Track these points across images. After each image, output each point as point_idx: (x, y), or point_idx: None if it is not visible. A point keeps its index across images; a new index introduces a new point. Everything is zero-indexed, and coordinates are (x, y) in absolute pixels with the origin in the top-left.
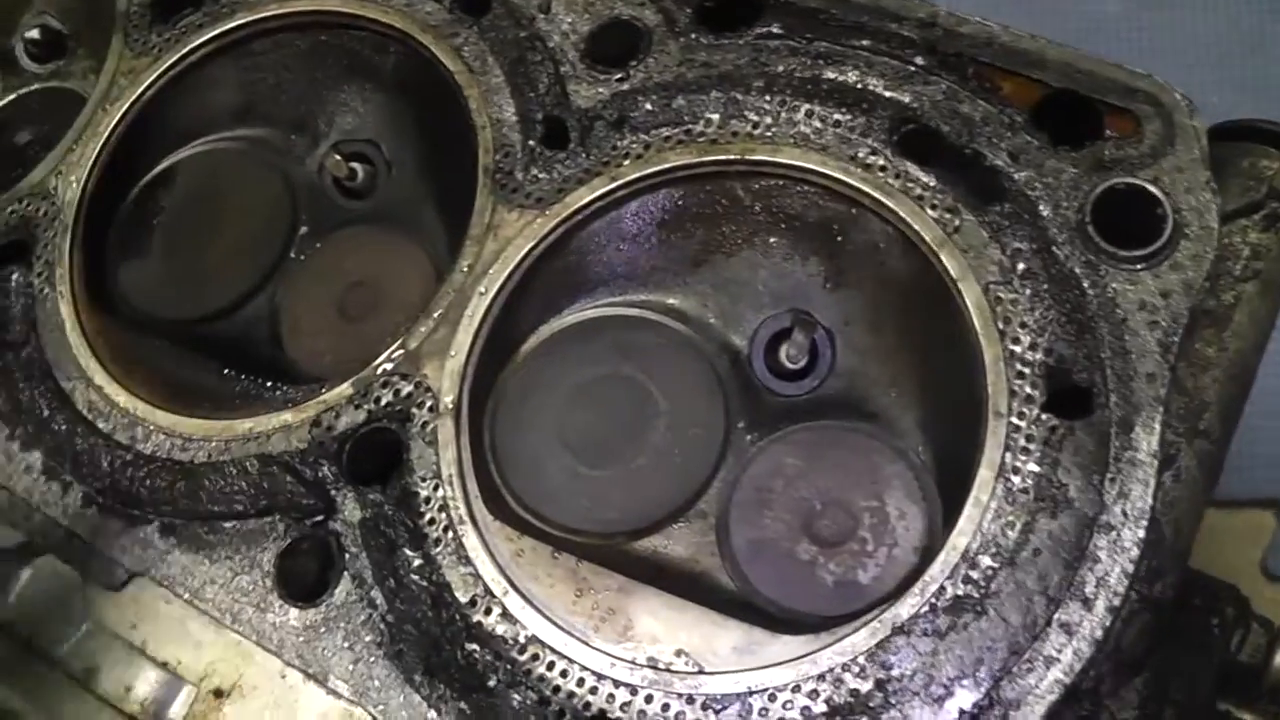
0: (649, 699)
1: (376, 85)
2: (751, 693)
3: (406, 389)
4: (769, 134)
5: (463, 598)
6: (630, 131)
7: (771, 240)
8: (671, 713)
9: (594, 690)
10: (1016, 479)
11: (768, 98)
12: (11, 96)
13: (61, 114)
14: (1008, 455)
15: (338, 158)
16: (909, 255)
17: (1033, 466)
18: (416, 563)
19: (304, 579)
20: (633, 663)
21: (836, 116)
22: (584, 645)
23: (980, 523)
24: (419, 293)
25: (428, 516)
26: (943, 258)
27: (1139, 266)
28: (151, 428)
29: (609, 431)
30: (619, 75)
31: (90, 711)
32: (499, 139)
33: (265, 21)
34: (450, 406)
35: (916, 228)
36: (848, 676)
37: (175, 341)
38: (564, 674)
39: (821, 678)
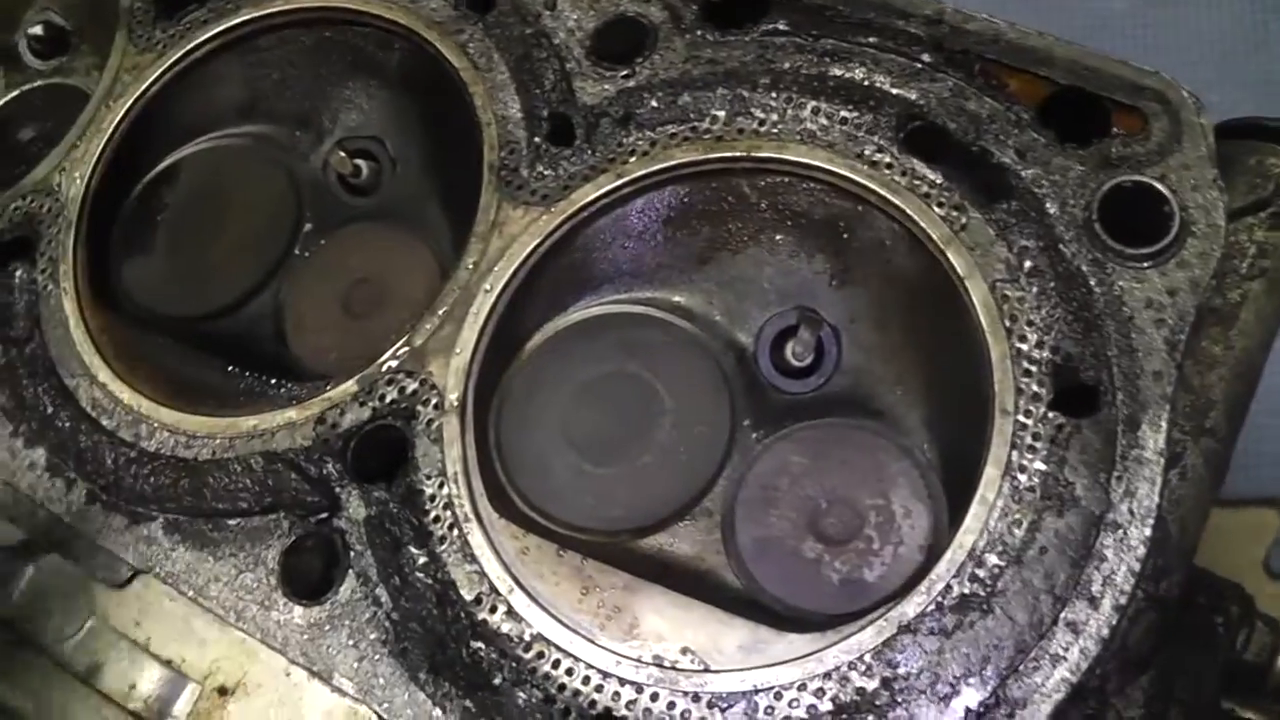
0: (655, 697)
1: (381, 82)
2: (757, 691)
3: (411, 386)
4: (775, 131)
5: (468, 595)
6: (636, 128)
7: (777, 237)
8: (677, 711)
9: (599, 688)
10: (1023, 477)
11: (774, 94)
12: (15, 93)
13: (65, 110)
14: (1014, 453)
15: (342, 154)
16: (915, 253)
17: (1039, 465)
18: (421, 560)
19: (309, 577)
20: (638, 661)
21: (843, 113)
22: (590, 643)
23: (987, 521)
24: (424, 290)
25: (433, 514)
26: (949, 255)
27: (1146, 264)
28: (155, 425)
29: (614, 429)
30: (625, 72)
31: (93, 709)
32: (504, 136)
33: (270, 18)
34: (455, 404)
35: (923, 225)
36: (854, 675)
37: (179, 338)
38: (570, 672)
39: (828, 676)
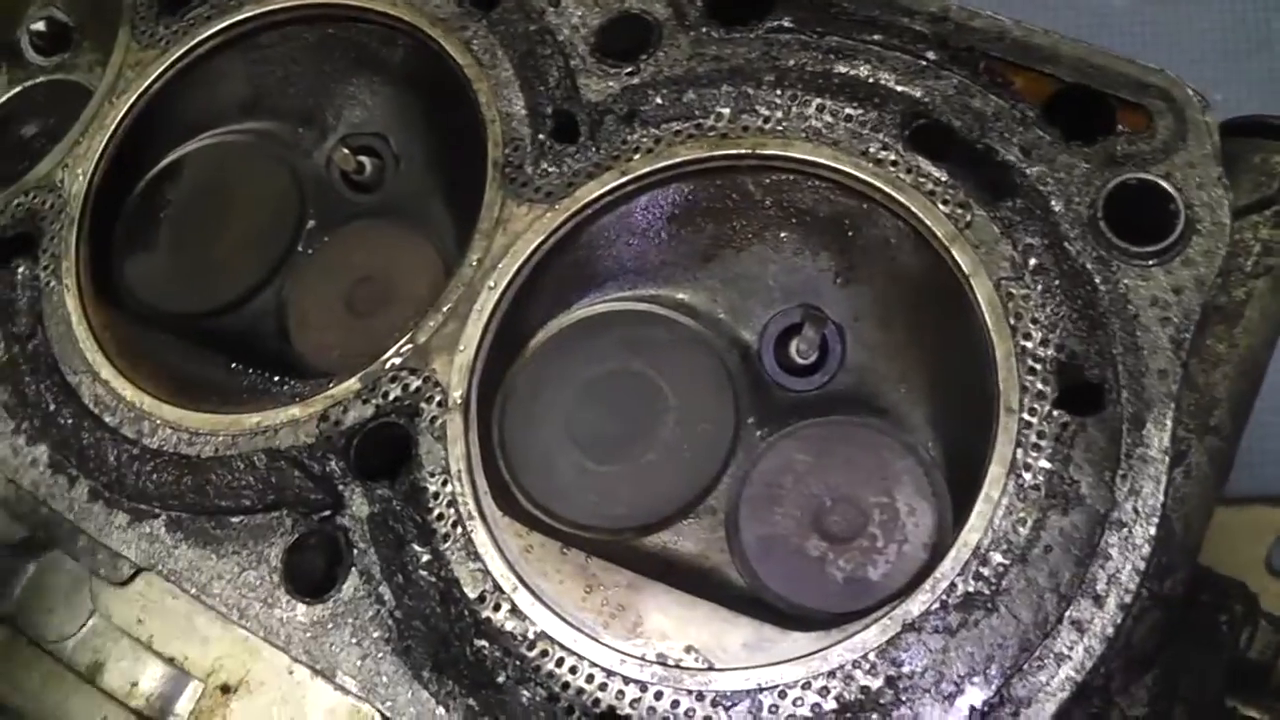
0: (659, 695)
1: (385, 78)
2: (762, 689)
3: (415, 384)
4: (780, 128)
5: (471, 594)
6: (640, 126)
7: (782, 235)
8: (681, 709)
9: (603, 687)
10: (1028, 475)
11: (779, 92)
12: (17, 89)
13: (67, 107)
14: (1019, 451)
15: (346, 151)
16: (920, 250)
17: (1044, 463)
18: (425, 558)
19: (311, 574)
20: (642, 659)
21: (848, 111)
22: (593, 641)
23: (991, 519)
24: (427, 287)
25: (436, 512)
26: (954, 253)
27: (1151, 262)
28: (158, 422)
29: (618, 427)
30: (629, 69)
31: (96, 706)
32: (508, 133)
33: (273, 14)
34: (459, 401)
35: (928, 223)
36: (858, 673)
37: (182, 335)
38: (573, 670)
39: (832, 674)
